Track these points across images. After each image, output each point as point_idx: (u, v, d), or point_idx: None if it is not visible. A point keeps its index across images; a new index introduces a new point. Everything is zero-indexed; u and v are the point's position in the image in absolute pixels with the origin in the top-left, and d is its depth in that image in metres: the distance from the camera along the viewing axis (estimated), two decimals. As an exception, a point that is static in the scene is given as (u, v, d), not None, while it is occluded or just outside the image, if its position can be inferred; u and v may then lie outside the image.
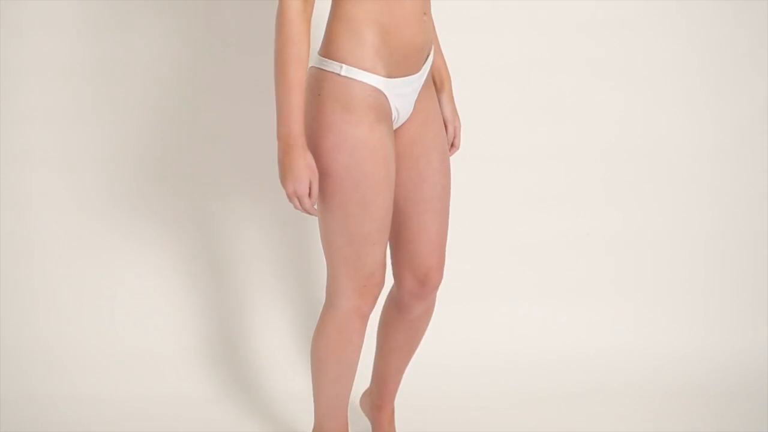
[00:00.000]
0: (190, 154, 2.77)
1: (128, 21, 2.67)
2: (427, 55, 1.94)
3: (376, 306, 1.99)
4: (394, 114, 1.91)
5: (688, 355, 2.78)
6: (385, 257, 1.96)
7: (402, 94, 1.90)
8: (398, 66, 1.87)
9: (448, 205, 2.03)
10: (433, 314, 2.16)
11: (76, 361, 2.71)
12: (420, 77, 1.93)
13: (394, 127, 1.93)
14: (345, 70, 1.83)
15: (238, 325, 2.80)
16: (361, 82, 1.83)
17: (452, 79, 2.13)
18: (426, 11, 1.88)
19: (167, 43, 2.68)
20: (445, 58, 2.12)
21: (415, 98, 1.94)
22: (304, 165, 1.81)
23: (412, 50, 1.87)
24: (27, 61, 2.70)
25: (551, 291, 2.86)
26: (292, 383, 2.64)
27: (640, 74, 2.78)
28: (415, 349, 2.19)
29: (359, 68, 1.83)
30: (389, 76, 1.86)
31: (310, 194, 1.83)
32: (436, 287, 2.06)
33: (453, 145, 2.10)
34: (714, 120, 2.82)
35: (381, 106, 1.86)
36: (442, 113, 2.07)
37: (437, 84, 2.08)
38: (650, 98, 2.80)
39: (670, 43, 2.77)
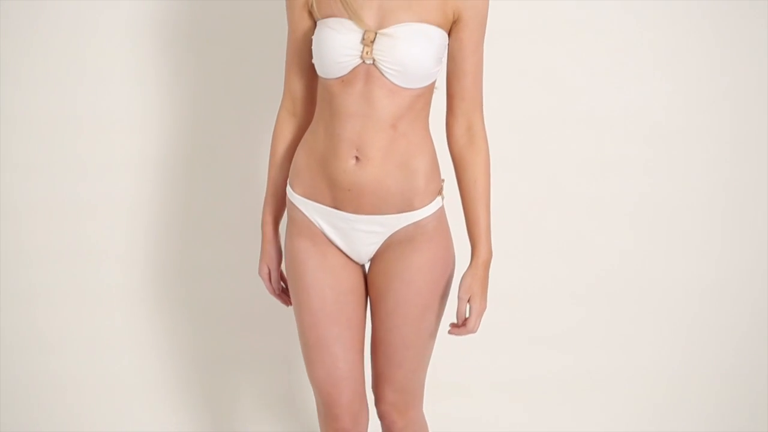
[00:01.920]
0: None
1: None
2: (388, 204, 1.89)
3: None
4: (339, 243, 1.94)
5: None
6: (345, 387, 1.95)
7: (339, 227, 1.92)
8: (322, 193, 1.91)
9: (417, 355, 1.97)
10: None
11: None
12: (363, 221, 1.90)
13: (361, 262, 1.98)
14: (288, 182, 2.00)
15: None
16: (290, 192, 1.98)
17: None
18: (363, 158, 1.84)
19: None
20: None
21: (375, 241, 1.93)
22: (264, 252, 2.08)
23: (337, 186, 1.88)
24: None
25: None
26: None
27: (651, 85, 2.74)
28: None
29: (289, 182, 1.98)
30: (305, 196, 1.94)
31: (270, 280, 2.08)
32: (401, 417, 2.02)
33: (463, 325, 1.92)
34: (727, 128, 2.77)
35: (301, 221, 1.96)
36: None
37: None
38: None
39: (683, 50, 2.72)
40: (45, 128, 2.71)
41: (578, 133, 2.72)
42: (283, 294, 2.10)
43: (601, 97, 2.70)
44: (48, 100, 2.70)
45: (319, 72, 1.88)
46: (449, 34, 1.87)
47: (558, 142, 2.72)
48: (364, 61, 1.81)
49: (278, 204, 2.06)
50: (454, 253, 1.99)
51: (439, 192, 1.95)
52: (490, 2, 1.89)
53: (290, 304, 2.08)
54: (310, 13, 1.91)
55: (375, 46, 1.80)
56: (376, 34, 1.80)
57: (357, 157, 1.85)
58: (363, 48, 1.80)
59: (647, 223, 2.77)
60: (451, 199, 1.99)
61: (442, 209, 1.96)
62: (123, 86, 2.69)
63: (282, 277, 2.10)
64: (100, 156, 2.72)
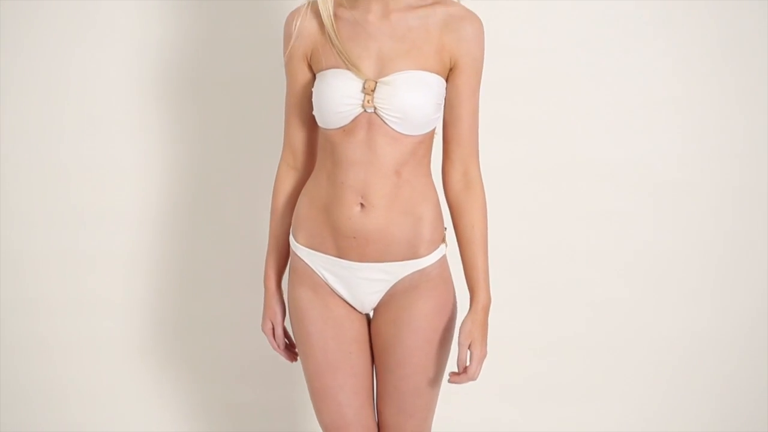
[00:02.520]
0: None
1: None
2: (393, 252, 1.89)
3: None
4: (342, 293, 1.94)
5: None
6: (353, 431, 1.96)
7: (342, 276, 1.92)
8: (325, 242, 1.92)
9: (427, 403, 1.97)
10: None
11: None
12: (367, 269, 1.90)
13: (364, 312, 1.98)
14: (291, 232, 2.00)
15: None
16: (293, 242, 1.98)
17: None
18: (368, 205, 1.85)
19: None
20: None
21: (379, 290, 1.93)
22: (267, 307, 2.07)
23: (341, 234, 1.88)
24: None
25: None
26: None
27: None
28: None
29: (291, 232, 1.98)
30: (308, 246, 1.94)
31: (274, 335, 2.06)
32: None
33: (463, 372, 1.89)
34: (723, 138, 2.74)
35: (303, 271, 1.96)
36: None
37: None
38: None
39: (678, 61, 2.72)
40: (45, 177, 2.70)
41: (578, 182, 2.72)
42: (287, 350, 2.09)
43: (601, 148, 2.70)
44: (48, 149, 2.69)
45: (320, 123, 1.89)
46: (446, 81, 1.89)
47: (557, 191, 2.72)
48: (365, 110, 1.83)
49: (280, 258, 2.06)
50: (455, 297, 1.99)
51: (443, 240, 1.96)
52: (490, 51, 1.92)
53: (294, 359, 2.08)
54: (309, 66, 1.93)
55: (376, 94, 1.82)
56: (376, 82, 1.82)
57: (362, 204, 1.86)
58: (364, 97, 1.82)
59: (647, 273, 2.77)
60: (451, 245, 2.00)
61: (444, 256, 1.96)
62: (124, 136, 2.69)
63: (285, 333, 2.08)
64: (100, 206, 2.71)
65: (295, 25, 1.91)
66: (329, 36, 1.86)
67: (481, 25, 1.88)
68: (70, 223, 2.72)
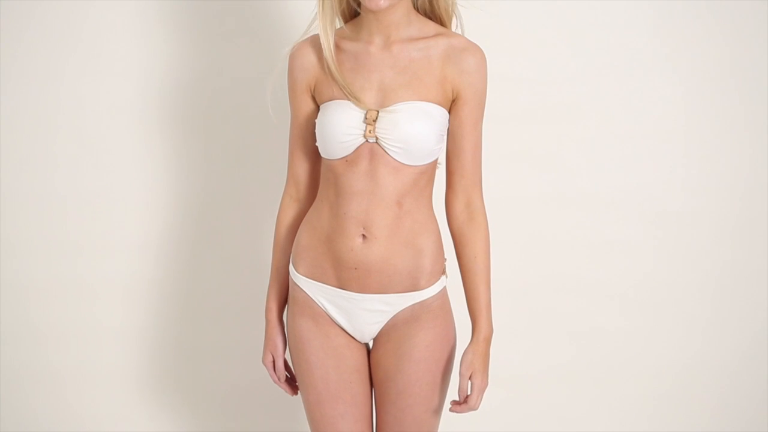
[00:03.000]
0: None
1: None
2: (394, 283, 1.89)
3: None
4: (342, 323, 1.95)
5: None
6: None
7: (342, 306, 1.93)
8: (326, 272, 1.92)
9: None
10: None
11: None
12: (368, 300, 1.91)
13: (364, 341, 1.98)
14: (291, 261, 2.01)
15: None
16: (293, 272, 1.98)
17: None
18: (370, 236, 1.86)
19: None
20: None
21: (380, 320, 1.93)
22: (268, 339, 2.06)
23: (343, 265, 1.89)
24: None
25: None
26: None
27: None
28: None
29: (292, 262, 1.99)
30: (308, 276, 1.95)
31: (275, 368, 2.05)
32: None
33: (464, 402, 1.90)
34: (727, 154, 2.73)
35: (304, 301, 1.96)
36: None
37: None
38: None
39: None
40: (44, 206, 2.69)
41: (579, 212, 2.71)
42: (288, 382, 2.09)
43: (601, 178, 2.70)
44: (48, 178, 2.68)
45: (323, 154, 1.91)
46: (449, 112, 1.90)
47: (558, 220, 2.71)
48: (367, 140, 1.84)
49: (282, 290, 2.06)
50: (455, 329, 1.99)
51: (443, 271, 1.96)
52: (492, 81, 1.92)
53: (295, 393, 2.08)
54: (313, 98, 1.95)
55: (378, 124, 1.83)
56: (378, 112, 1.84)
57: (364, 235, 1.87)
58: (366, 127, 1.84)
59: (646, 303, 2.75)
60: (452, 276, 2.00)
61: (445, 287, 1.97)
62: (125, 165, 2.68)
63: (286, 365, 2.08)
64: (100, 235, 2.70)
65: (299, 59, 1.94)
66: (329, 68, 1.88)
67: (484, 56, 1.89)
68: (69, 252, 2.70)
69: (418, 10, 1.94)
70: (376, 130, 1.83)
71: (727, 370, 2.76)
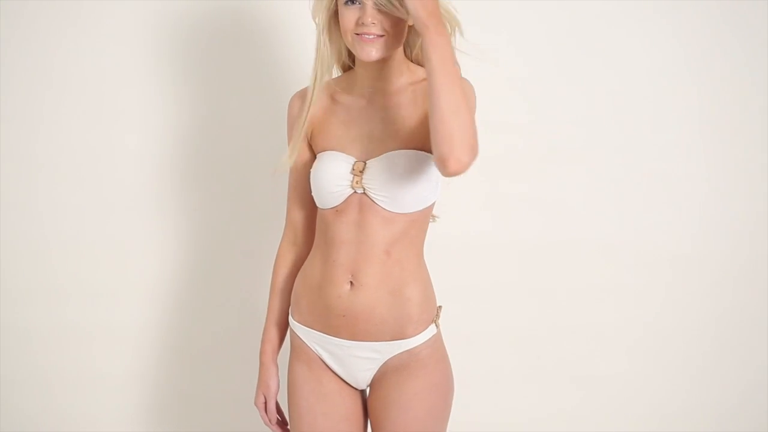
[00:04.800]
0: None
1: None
2: (381, 331, 1.90)
3: None
4: (336, 369, 1.96)
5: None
6: None
7: (335, 353, 1.95)
8: (318, 319, 1.95)
9: None
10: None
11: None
12: (357, 347, 1.92)
13: (360, 388, 2.00)
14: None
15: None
16: (290, 319, 2.02)
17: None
18: (357, 283, 1.88)
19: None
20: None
21: (371, 367, 1.94)
22: (261, 381, 2.08)
23: (332, 312, 1.91)
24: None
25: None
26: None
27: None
28: None
29: (290, 309, 2.03)
30: (303, 324, 1.98)
31: (266, 410, 2.07)
32: None
33: None
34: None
35: (300, 347, 2.00)
36: None
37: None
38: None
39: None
40: (43, 253, 2.70)
41: (580, 259, 2.70)
42: (280, 425, 2.10)
43: (607, 224, 2.69)
44: (50, 222, 2.69)
45: (316, 203, 1.94)
46: None
47: (563, 267, 2.70)
48: (355, 191, 1.87)
49: (277, 333, 2.08)
50: (452, 378, 1.99)
51: (434, 320, 1.96)
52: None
53: None
54: (310, 146, 1.99)
55: (364, 175, 1.86)
56: (365, 163, 1.87)
57: (351, 283, 1.89)
58: (353, 178, 1.87)
59: (652, 349, 2.74)
60: (447, 324, 2.01)
61: (437, 336, 1.96)
62: (127, 211, 2.69)
63: (279, 409, 2.09)
64: (99, 281, 2.69)
65: (297, 108, 1.97)
66: (305, 113, 1.91)
67: (472, 88, 1.86)
68: (69, 298, 2.71)
69: (411, 60, 1.95)
70: (363, 180, 1.86)
71: (729, 415, 2.75)
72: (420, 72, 1.91)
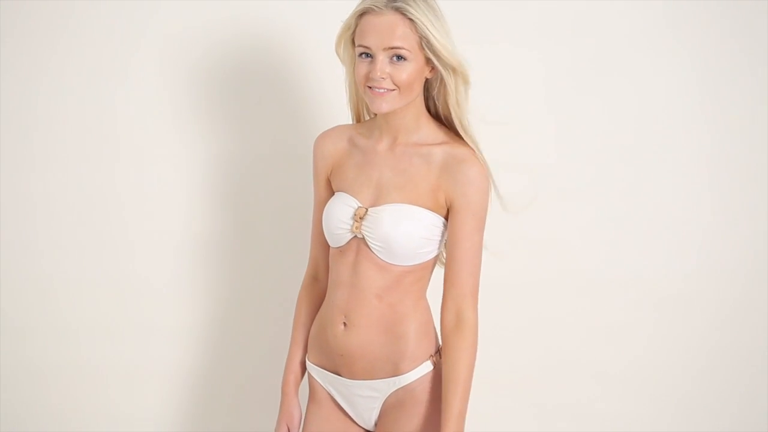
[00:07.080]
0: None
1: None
2: (377, 369, 1.95)
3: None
4: (347, 408, 2.03)
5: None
6: None
7: (342, 393, 2.01)
8: (325, 359, 2.02)
9: None
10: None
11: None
12: (357, 386, 1.97)
13: (367, 426, 2.03)
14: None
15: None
16: (307, 359, 2.09)
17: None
18: (350, 324, 1.93)
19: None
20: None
21: (374, 406, 1.98)
22: (284, 411, 2.10)
23: (333, 351, 1.98)
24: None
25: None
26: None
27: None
28: None
29: (308, 348, 2.09)
30: (315, 363, 2.05)
31: None
32: None
33: None
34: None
35: (314, 386, 2.06)
36: None
37: None
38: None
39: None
40: (49, 289, 2.72)
41: (580, 298, 2.70)
42: None
43: (601, 262, 2.69)
44: (55, 267, 2.71)
45: (327, 241, 2.01)
46: (446, 219, 1.92)
47: (557, 305, 2.71)
48: (355, 235, 1.92)
49: (299, 365, 2.13)
50: None
51: (431, 356, 1.96)
52: (486, 186, 1.90)
53: None
54: (330, 184, 2.07)
55: (364, 222, 1.91)
56: (367, 210, 1.92)
57: (345, 323, 1.95)
58: (353, 223, 1.92)
59: (645, 387, 2.75)
60: None
61: (433, 373, 1.96)
62: (131, 261, 2.70)
63: None
64: (114, 318, 2.73)
65: (321, 147, 2.05)
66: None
67: (481, 168, 1.89)
68: (84, 335, 2.72)
69: (431, 113, 1.97)
70: (362, 227, 1.91)
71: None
72: (439, 134, 1.93)
